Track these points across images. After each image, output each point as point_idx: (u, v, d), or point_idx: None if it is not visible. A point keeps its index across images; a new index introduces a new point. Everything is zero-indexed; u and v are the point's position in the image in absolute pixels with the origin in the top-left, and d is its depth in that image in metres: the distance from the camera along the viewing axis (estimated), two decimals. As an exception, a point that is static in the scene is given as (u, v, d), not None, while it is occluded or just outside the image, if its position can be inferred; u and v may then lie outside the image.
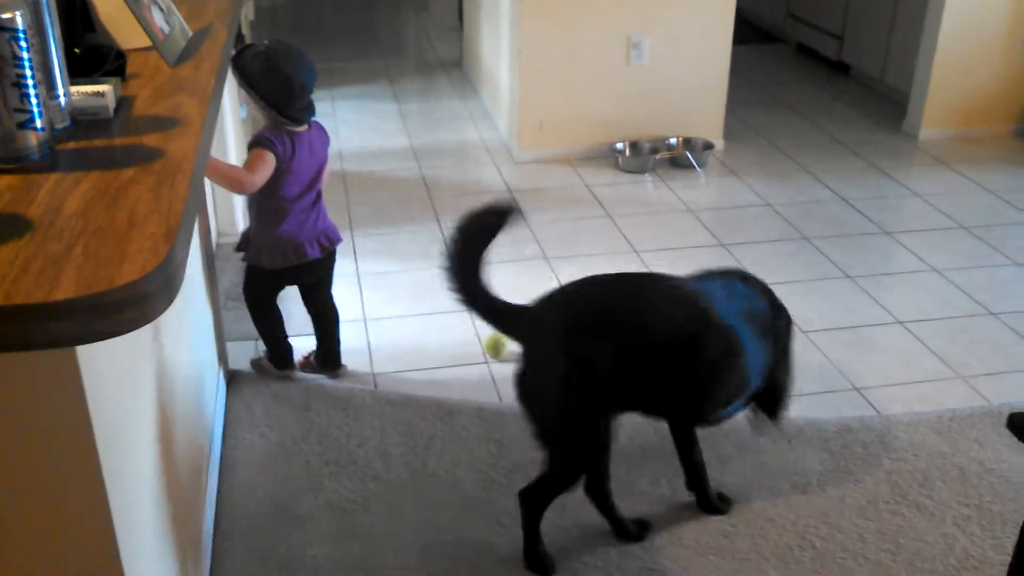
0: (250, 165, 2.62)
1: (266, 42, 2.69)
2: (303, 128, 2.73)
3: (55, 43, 1.29)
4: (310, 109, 2.71)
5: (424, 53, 6.96)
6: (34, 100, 1.19)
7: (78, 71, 1.48)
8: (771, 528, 2.41)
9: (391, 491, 2.55)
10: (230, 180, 2.65)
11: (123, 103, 1.45)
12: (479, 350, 3.19)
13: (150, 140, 1.30)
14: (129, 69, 1.59)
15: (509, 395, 2.96)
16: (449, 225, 4.09)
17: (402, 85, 6.07)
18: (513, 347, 3.14)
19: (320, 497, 2.53)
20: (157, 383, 1.91)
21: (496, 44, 5.17)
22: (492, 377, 3.07)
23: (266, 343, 3.02)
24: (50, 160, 1.23)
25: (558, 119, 4.76)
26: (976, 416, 2.83)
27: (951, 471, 2.61)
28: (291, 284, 2.93)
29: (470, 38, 6.03)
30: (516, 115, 4.78)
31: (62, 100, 1.31)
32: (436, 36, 7.25)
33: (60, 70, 1.30)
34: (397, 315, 3.42)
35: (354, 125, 5.34)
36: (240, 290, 2.99)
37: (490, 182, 4.57)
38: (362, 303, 3.48)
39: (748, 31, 7.17)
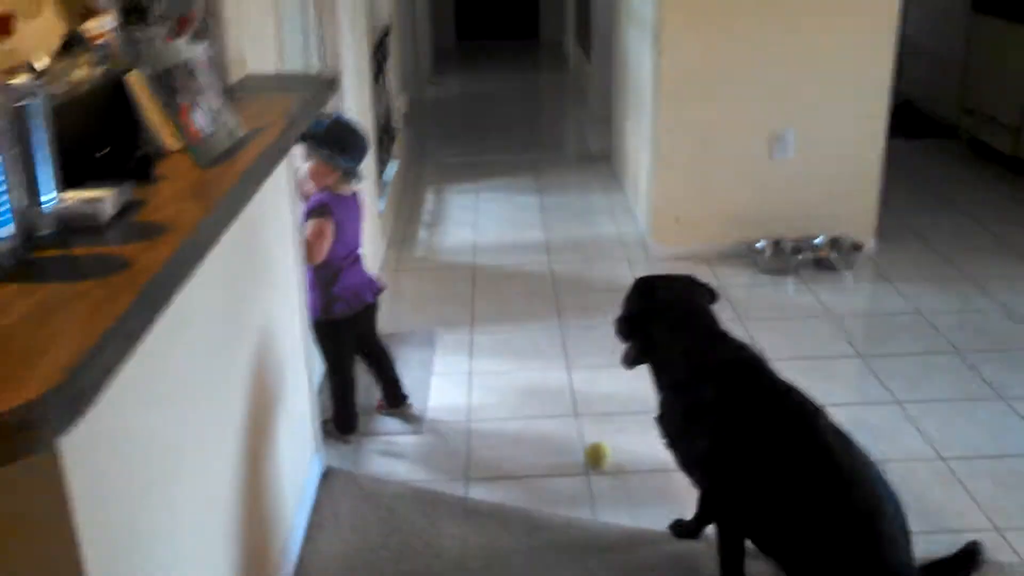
0: (315, 238, 2.88)
1: (330, 113, 2.99)
2: (353, 189, 3.00)
3: (42, 148, 1.26)
4: (355, 174, 3.00)
5: (575, 145, 6.94)
6: (1, 208, 1.17)
7: (103, 174, 1.48)
8: None
9: (461, 611, 2.41)
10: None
11: (131, 207, 1.42)
12: (580, 459, 3.02)
13: (129, 249, 1.26)
14: (168, 170, 1.58)
15: (604, 510, 2.78)
16: (570, 323, 3.99)
17: (548, 178, 6.04)
18: (613, 458, 2.99)
19: (388, 613, 2.42)
20: (223, 487, 1.86)
21: (638, 136, 5.07)
22: (590, 490, 2.88)
23: (335, 403, 3.17)
24: (15, 269, 1.19)
25: (695, 214, 4.58)
26: None
27: (1104, 639, 2.22)
28: (356, 332, 3.13)
29: (617, 130, 5.96)
30: (651, 209, 4.64)
31: (46, 206, 1.28)
32: (590, 129, 7.22)
33: (45, 175, 1.28)
34: (501, 417, 3.29)
35: (492, 217, 5.33)
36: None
37: (619, 279, 4.41)
38: (469, 404, 3.38)
39: (919, 124, 6.80)
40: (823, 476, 2.08)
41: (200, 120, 1.70)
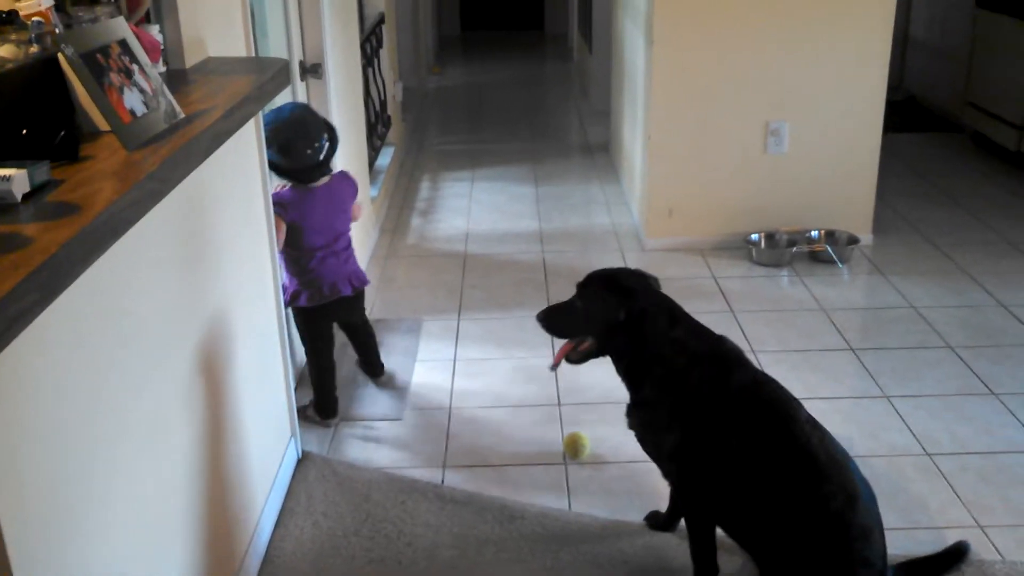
0: (276, 232, 2.81)
1: (288, 128, 2.85)
2: (319, 183, 2.91)
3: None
4: (317, 169, 2.89)
5: (574, 137, 6.88)
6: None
7: (27, 153, 1.43)
8: None
9: (428, 600, 2.36)
10: None
11: (47, 186, 1.38)
12: (559, 450, 2.98)
13: (32, 229, 1.22)
14: (98, 151, 1.53)
15: (580, 501, 2.73)
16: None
17: (544, 168, 5.99)
18: (591, 449, 2.94)
19: (354, 600, 2.37)
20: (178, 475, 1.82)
21: (632, 127, 5.01)
22: (566, 480, 2.84)
23: (315, 389, 3.14)
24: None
25: (689, 206, 4.52)
26: None
27: (1084, 640, 2.17)
28: (332, 321, 3.12)
29: (615, 123, 5.90)
30: (645, 201, 4.58)
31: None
32: (591, 121, 7.16)
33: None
34: (483, 405, 3.25)
35: (486, 206, 5.28)
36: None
37: (611, 270, 4.37)
38: (451, 391, 3.34)
39: (922, 118, 6.74)
40: (797, 468, 2.03)
41: (131, 101, 1.65)
